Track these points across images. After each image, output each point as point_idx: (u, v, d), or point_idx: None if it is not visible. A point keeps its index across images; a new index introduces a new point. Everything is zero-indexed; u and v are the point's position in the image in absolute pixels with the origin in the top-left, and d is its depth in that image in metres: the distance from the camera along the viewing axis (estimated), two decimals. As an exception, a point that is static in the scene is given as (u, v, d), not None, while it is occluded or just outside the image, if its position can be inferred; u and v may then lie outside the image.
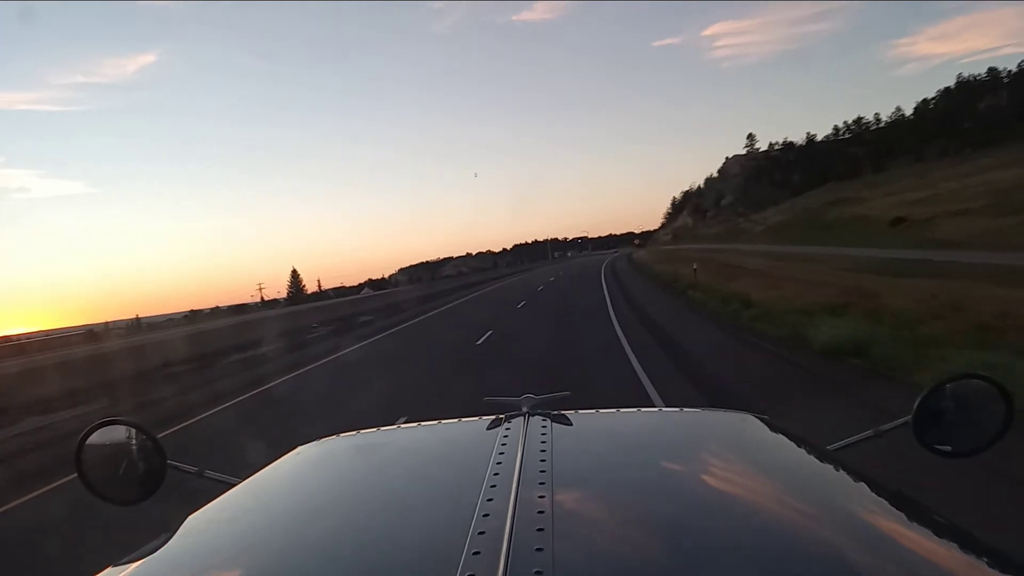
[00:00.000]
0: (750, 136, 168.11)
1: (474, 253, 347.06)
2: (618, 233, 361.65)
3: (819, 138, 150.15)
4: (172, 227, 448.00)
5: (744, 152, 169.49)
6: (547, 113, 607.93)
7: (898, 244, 36.65)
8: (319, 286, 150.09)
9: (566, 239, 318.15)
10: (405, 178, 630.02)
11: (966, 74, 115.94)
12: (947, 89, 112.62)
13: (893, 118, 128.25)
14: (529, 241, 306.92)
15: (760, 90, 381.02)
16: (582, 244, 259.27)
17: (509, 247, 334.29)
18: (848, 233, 55.34)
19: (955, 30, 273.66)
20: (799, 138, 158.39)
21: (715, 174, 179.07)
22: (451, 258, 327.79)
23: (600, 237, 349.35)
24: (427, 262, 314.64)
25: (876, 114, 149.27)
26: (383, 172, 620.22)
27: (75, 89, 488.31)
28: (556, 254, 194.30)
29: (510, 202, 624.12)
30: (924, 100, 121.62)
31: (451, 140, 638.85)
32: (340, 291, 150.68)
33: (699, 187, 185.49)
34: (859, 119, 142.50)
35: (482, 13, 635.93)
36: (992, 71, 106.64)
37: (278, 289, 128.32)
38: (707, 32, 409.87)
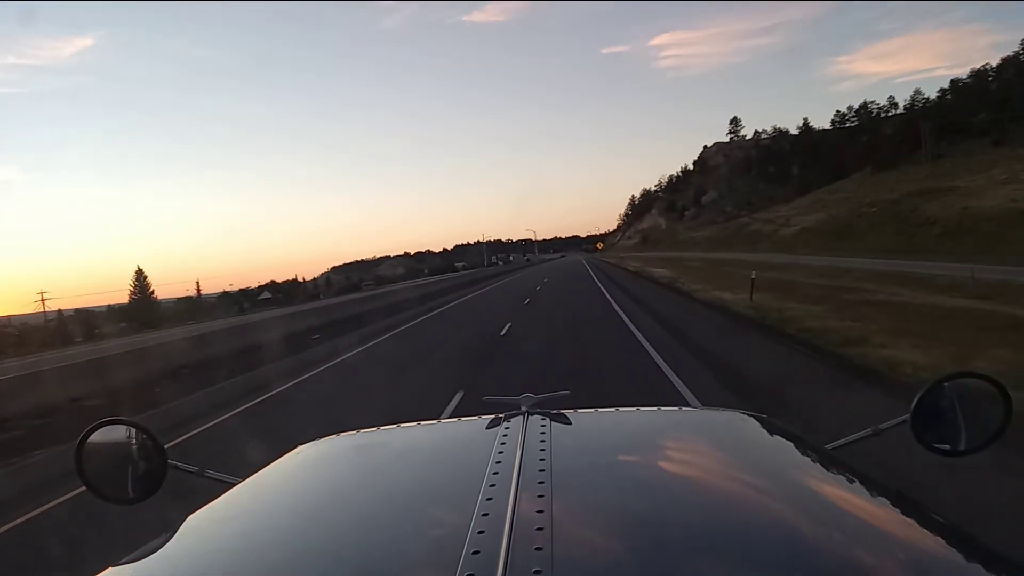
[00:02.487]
0: (734, 121, 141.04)
1: (412, 253, 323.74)
2: (564, 236, 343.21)
3: (813, 126, 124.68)
4: (109, 215, 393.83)
5: (728, 140, 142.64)
6: (494, 113, 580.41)
7: None
8: (198, 289, 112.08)
9: (510, 240, 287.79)
10: (347, 174, 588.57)
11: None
12: (1014, 58, 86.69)
13: (915, 102, 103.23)
14: (471, 242, 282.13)
15: (706, 99, 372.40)
16: (526, 247, 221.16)
17: (450, 247, 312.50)
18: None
19: (891, 51, 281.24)
20: (782, 128, 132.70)
21: (690, 166, 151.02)
22: (388, 257, 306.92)
23: (546, 240, 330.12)
24: (362, 261, 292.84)
25: (891, 98, 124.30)
26: (324, 167, 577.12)
27: (6, 71, 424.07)
28: (495, 258, 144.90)
29: (452, 202, 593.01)
30: (954, 81, 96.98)
31: (396, 136, 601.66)
32: (241, 295, 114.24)
33: (672, 179, 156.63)
34: (864, 105, 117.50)
35: (432, 12, 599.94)
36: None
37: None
38: (655, 41, 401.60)
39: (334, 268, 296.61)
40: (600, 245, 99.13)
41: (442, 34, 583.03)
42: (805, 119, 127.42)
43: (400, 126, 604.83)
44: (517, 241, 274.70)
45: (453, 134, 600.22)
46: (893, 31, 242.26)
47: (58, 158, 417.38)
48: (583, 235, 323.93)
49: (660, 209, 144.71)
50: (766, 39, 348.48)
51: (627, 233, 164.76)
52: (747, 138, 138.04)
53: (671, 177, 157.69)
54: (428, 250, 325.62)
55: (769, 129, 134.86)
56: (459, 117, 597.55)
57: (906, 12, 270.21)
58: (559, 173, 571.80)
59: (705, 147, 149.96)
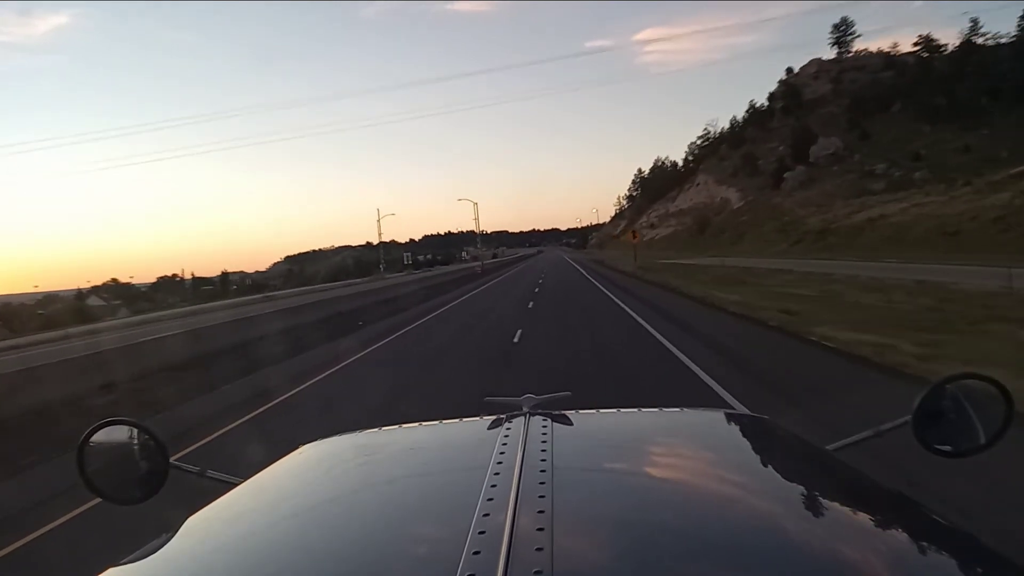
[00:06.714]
0: (842, 25, 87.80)
1: (375, 243, 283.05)
2: (542, 228, 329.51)
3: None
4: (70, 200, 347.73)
5: (835, 56, 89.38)
6: (472, 99, 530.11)
7: None
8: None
9: (484, 232, 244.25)
10: (313, 160, 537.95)
11: None
12: None
13: None
14: (443, 232, 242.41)
15: (683, 95, 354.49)
16: (499, 239, 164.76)
17: (418, 238, 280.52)
18: None
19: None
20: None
21: (764, 102, 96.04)
22: (348, 247, 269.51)
23: (522, 232, 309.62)
24: (320, 250, 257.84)
25: None
26: (289, 153, 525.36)
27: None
28: (424, 257, 74.91)
29: (421, 192, 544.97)
30: None
31: (367, 122, 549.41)
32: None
33: (733, 126, 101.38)
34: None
35: (413, 5, 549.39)
36: None
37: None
38: (638, 37, 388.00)
39: (288, 257, 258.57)
40: (635, 237, 48.90)
41: (423, 20, 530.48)
42: (974, 20, 75.16)
43: (373, 111, 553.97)
44: (492, 233, 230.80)
45: (428, 120, 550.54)
46: (873, 33, 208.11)
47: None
48: (563, 228, 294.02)
49: (721, 174, 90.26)
50: (748, 37, 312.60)
51: (648, 218, 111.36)
52: (862, 53, 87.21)
53: (732, 123, 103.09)
54: (393, 240, 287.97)
55: (896, 45, 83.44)
56: (433, 102, 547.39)
57: (885, 15, 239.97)
58: (535, 164, 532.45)
59: (790, 71, 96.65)
